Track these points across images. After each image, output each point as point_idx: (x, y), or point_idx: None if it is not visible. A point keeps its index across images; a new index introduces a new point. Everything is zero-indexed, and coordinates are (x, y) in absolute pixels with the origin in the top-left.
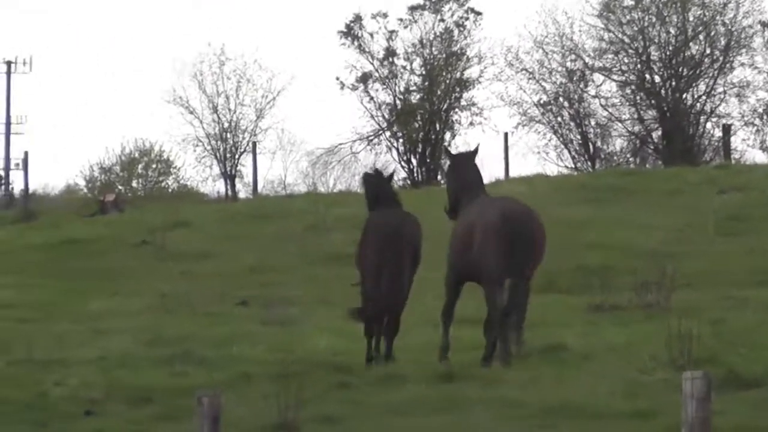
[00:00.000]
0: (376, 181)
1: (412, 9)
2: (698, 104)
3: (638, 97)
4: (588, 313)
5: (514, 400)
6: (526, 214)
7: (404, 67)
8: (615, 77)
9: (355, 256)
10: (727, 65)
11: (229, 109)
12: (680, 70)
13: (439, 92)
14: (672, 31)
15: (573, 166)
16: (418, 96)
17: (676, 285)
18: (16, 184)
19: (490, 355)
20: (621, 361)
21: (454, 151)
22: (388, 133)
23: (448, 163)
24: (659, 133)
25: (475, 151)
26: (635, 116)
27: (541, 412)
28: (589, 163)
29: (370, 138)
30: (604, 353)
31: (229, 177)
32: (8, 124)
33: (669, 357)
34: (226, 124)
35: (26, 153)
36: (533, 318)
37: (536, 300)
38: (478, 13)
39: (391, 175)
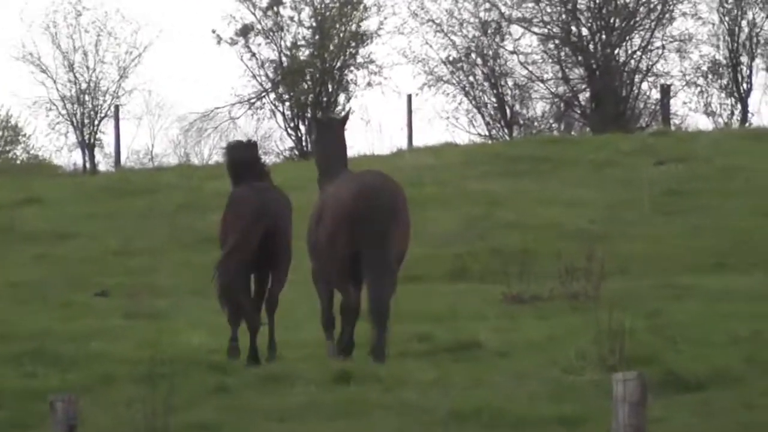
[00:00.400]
0: (238, 151)
1: None
2: (632, 61)
3: (563, 53)
4: (505, 304)
5: (419, 405)
6: (383, 190)
7: (291, 18)
8: (536, 30)
9: (219, 239)
10: (666, 16)
11: (88, 68)
12: (611, 21)
13: (331, 47)
14: None
15: (487, 133)
16: (307, 52)
17: (607, 271)
18: None
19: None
20: (543, 359)
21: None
22: (272, 96)
23: (314, 131)
24: (587, 95)
25: (344, 119)
26: (559, 75)
27: (452, 418)
28: (506, 130)
29: (252, 101)
30: (524, 351)
31: (88, 146)
32: None
33: (598, 355)
34: (84, 85)
35: None
36: (441, 310)
37: (445, 289)
38: None
39: (255, 144)
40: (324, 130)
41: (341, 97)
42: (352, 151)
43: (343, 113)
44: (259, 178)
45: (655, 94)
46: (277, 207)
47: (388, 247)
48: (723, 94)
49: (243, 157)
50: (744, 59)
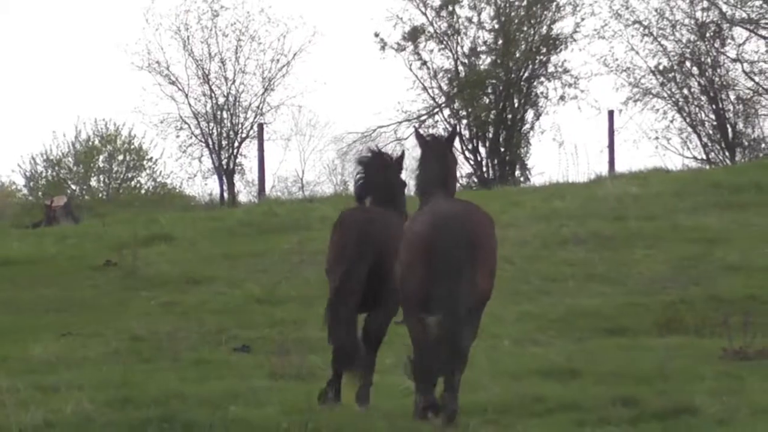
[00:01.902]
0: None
1: None
2: None
3: None
4: (726, 361)
5: None
6: (460, 217)
7: (469, 20)
8: (764, 32)
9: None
10: None
11: (226, 79)
12: None
13: (517, 54)
14: None
15: (704, 156)
16: (488, 60)
17: None
18: None
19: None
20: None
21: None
22: (446, 112)
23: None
24: None
25: (451, 137)
26: None
27: None
28: (727, 153)
29: (422, 118)
30: (749, 418)
31: (226, 173)
32: None
33: None
34: (221, 100)
35: None
36: (648, 369)
37: (653, 343)
38: None
39: (399, 159)
40: (428, 150)
41: (529, 114)
42: (542, 178)
43: (450, 130)
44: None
45: None
46: (383, 233)
47: (462, 283)
48: None
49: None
50: None
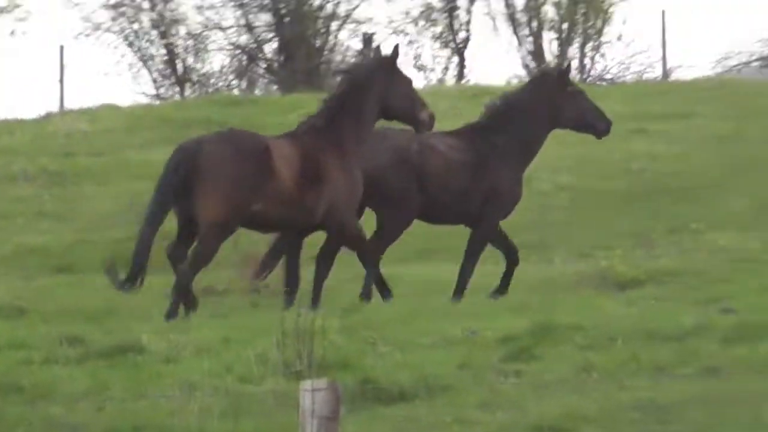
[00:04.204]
0: None
1: None
2: (329, 5)
3: None
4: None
5: (67, 422)
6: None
7: None
8: None
9: None
10: None
11: None
12: None
13: None
14: None
15: (155, 92)
16: None
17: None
18: None
19: None
20: (217, 366)
21: None
22: None
23: None
24: (274, 45)
25: None
26: (242, 22)
27: None
28: (178, 89)
29: None
30: (193, 355)
31: None
32: None
33: (282, 360)
34: None
35: None
36: (96, 307)
37: (100, 281)
38: None
39: None
40: None
41: None
42: None
43: None
44: None
45: (356, 45)
46: None
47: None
48: (437, 45)
49: None
50: (462, 2)
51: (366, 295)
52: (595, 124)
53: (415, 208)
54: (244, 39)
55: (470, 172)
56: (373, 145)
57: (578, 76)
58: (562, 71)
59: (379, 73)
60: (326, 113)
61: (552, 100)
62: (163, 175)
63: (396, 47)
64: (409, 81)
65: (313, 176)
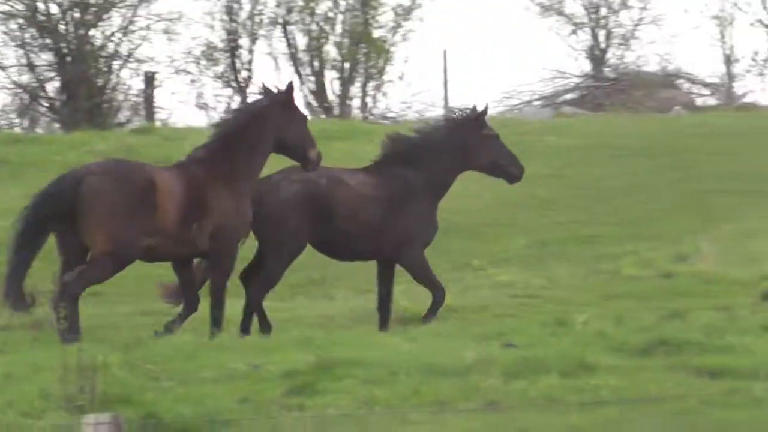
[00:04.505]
0: None
1: None
2: (111, 44)
3: (28, 35)
4: None
5: None
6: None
7: None
8: None
9: None
10: None
11: None
12: None
13: None
14: None
15: None
16: None
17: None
18: None
19: None
20: None
21: None
22: None
23: None
24: (57, 84)
25: None
26: (23, 61)
27: None
28: None
29: None
30: None
31: None
32: None
33: (64, 395)
34: None
35: None
36: None
37: None
38: None
39: None
40: None
41: None
42: None
43: None
44: None
45: (138, 84)
46: None
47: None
48: (219, 84)
49: None
50: (244, 42)
51: (168, 329)
52: (508, 169)
53: (300, 248)
54: (25, 78)
55: (382, 208)
56: (281, 178)
57: (360, 115)
58: (479, 114)
59: (276, 107)
60: (219, 143)
61: (466, 142)
62: (40, 201)
63: (290, 84)
64: (304, 118)
65: (198, 208)
